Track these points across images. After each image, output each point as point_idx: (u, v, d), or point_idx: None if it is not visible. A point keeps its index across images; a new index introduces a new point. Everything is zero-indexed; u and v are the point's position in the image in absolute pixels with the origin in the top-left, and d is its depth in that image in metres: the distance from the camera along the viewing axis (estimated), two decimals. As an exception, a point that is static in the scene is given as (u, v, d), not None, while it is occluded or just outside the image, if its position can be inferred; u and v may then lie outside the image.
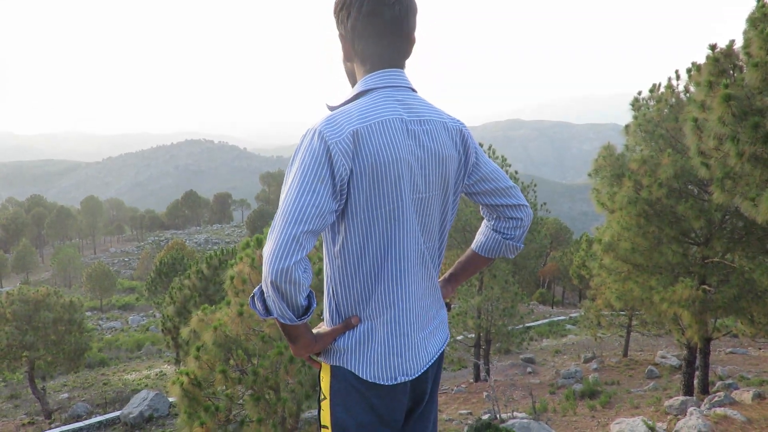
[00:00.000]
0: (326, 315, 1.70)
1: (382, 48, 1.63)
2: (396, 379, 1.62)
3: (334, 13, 1.65)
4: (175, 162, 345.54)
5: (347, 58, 1.70)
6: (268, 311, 1.50)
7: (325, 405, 1.66)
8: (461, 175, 1.77)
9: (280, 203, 1.45)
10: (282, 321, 1.49)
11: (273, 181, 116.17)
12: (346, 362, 1.62)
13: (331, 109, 1.64)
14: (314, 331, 1.65)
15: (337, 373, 1.64)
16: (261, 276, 6.44)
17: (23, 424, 21.76)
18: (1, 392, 27.66)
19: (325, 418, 1.67)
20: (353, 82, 1.73)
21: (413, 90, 1.69)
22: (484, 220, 1.97)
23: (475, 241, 1.98)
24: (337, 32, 1.69)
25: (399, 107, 1.60)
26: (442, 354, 1.82)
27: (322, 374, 1.69)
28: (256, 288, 1.51)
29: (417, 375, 1.67)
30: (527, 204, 1.88)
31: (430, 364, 1.73)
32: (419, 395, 1.75)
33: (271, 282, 1.39)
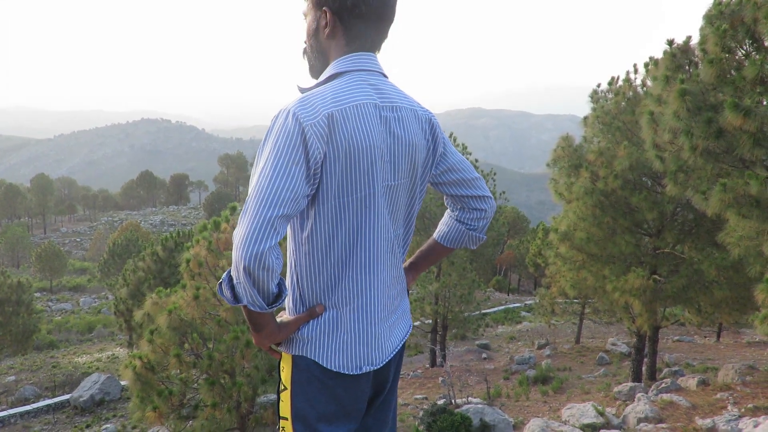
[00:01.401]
0: (288, 303, 1.64)
1: (373, 31, 1.60)
2: (361, 368, 1.59)
3: None
4: (130, 141, 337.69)
5: (330, 35, 1.60)
6: (236, 298, 1.43)
7: (285, 396, 1.62)
8: (429, 165, 1.74)
9: (252, 185, 1.40)
10: (252, 308, 1.43)
11: (231, 163, 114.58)
12: (309, 351, 1.57)
13: (303, 90, 1.59)
14: (277, 319, 1.60)
15: (299, 362, 1.59)
16: (218, 259, 6.27)
17: (-33, 408, 21.13)
18: (-56, 375, 26.78)
19: (285, 409, 1.62)
20: (321, 60, 1.66)
21: (385, 75, 1.65)
22: (447, 211, 1.95)
23: (437, 231, 1.96)
24: (314, 6, 1.61)
25: (372, 92, 1.57)
26: (404, 343, 1.80)
27: (282, 364, 1.64)
28: (224, 274, 1.44)
29: (382, 364, 1.65)
30: (491, 196, 1.88)
31: (393, 353, 1.71)
32: (381, 384, 1.74)
33: (244, 267, 1.34)
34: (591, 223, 11.67)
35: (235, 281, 1.40)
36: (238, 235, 1.35)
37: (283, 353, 1.64)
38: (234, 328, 8.06)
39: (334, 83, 1.55)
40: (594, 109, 12.92)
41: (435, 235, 1.97)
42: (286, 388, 1.62)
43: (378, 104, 1.56)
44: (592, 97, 13.27)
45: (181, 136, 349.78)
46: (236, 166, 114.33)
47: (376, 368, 1.63)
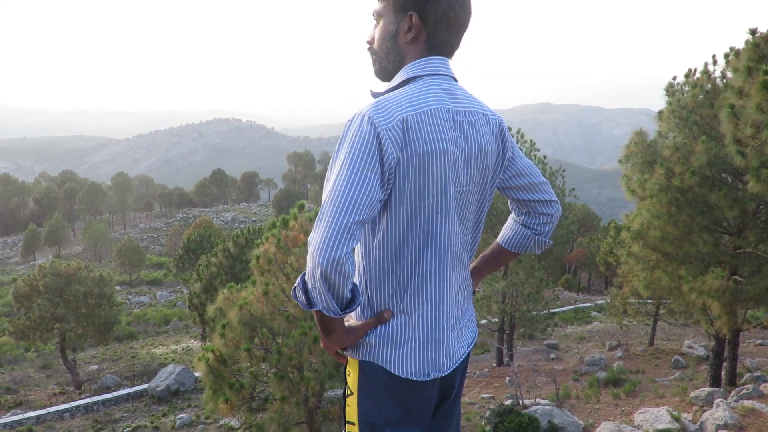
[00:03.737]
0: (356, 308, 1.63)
1: (455, 39, 1.61)
2: (429, 375, 1.59)
3: None
4: (203, 140, 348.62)
5: (412, 40, 1.59)
6: (310, 303, 1.44)
7: (352, 401, 1.62)
8: (498, 170, 1.73)
9: (328, 190, 1.40)
10: (326, 313, 1.43)
11: (300, 161, 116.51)
12: (377, 357, 1.57)
13: (375, 95, 1.59)
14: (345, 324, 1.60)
15: (366, 368, 1.59)
16: (286, 256, 6.39)
17: (54, 394, 22.40)
18: (34, 362, 28.48)
19: (352, 414, 1.62)
20: (395, 63, 1.64)
21: (455, 79, 1.64)
22: (512, 215, 1.93)
23: (501, 235, 1.94)
24: (396, 8, 1.60)
25: (446, 96, 1.56)
26: (470, 350, 1.79)
27: (349, 369, 1.65)
28: (298, 278, 1.45)
29: (449, 371, 1.64)
30: (558, 200, 1.85)
31: (460, 360, 1.70)
32: (447, 390, 1.72)
33: (321, 273, 1.34)
34: (666, 221, 11.23)
35: (309, 286, 1.41)
36: (315, 240, 1.35)
37: (349, 358, 1.64)
38: (302, 323, 8.21)
39: (408, 87, 1.54)
40: (669, 103, 12.40)
41: (499, 239, 1.94)
42: (352, 393, 1.62)
43: (451, 109, 1.55)
44: (667, 90, 12.74)
45: (251, 135, 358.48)
46: (304, 163, 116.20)
47: (443, 375, 1.62)
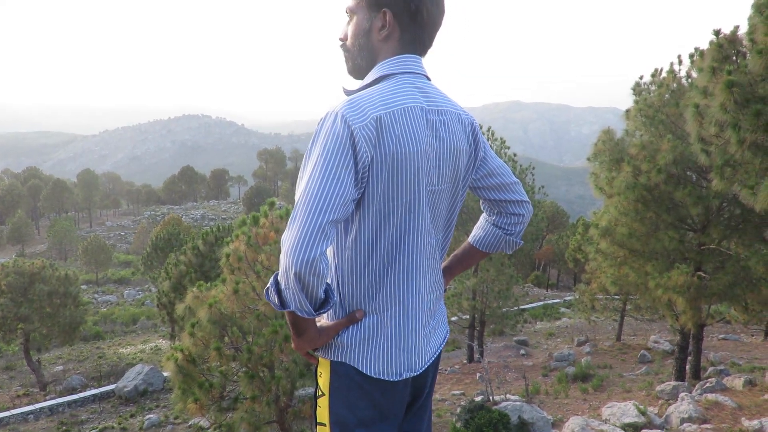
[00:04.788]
0: None
1: (427, 37, 1.61)
2: (401, 375, 1.58)
3: None
4: (172, 136, 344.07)
5: (386, 37, 1.58)
6: (283, 304, 1.42)
7: (323, 402, 1.60)
8: (470, 169, 1.72)
9: (301, 190, 1.38)
10: (299, 314, 1.41)
11: (270, 158, 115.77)
12: (348, 358, 1.55)
13: (348, 93, 1.57)
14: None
15: (338, 368, 1.57)
16: (257, 254, 6.30)
17: (18, 396, 21.87)
18: (-3, 363, 27.76)
19: (323, 415, 1.61)
20: (368, 60, 1.63)
21: (428, 78, 1.64)
22: (483, 215, 1.93)
23: (472, 235, 1.94)
24: (369, 5, 1.58)
25: (419, 95, 1.55)
26: (441, 349, 1.78)
27: (320, 370, 1.62)
28: (271, 279, 1.43)
29: (421, 371, 1.63)
30: (529, 200, 1.86)
31: (432, 359, 1.70)
32: (419, 389, 1.72)
33: (295, 273, 1.32)
34: (633, 218, 11.43)
35: (283, 286, 1.39)
36: (289, 241, 1.33)
37: (320, 359, 1.62)
38: (273, 322, 8.14)
39: (381, 86, 1.53)
40: (636, 102, 12.62)
41: (470, 239, 1.94)
42: (324, 394, 1.60)
43: (425, 108, 1.54)
44: (634, 89, 12.96)
45: (221, 132, 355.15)
46: (275, 160, 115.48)
47: (415, 374, 1.62)
